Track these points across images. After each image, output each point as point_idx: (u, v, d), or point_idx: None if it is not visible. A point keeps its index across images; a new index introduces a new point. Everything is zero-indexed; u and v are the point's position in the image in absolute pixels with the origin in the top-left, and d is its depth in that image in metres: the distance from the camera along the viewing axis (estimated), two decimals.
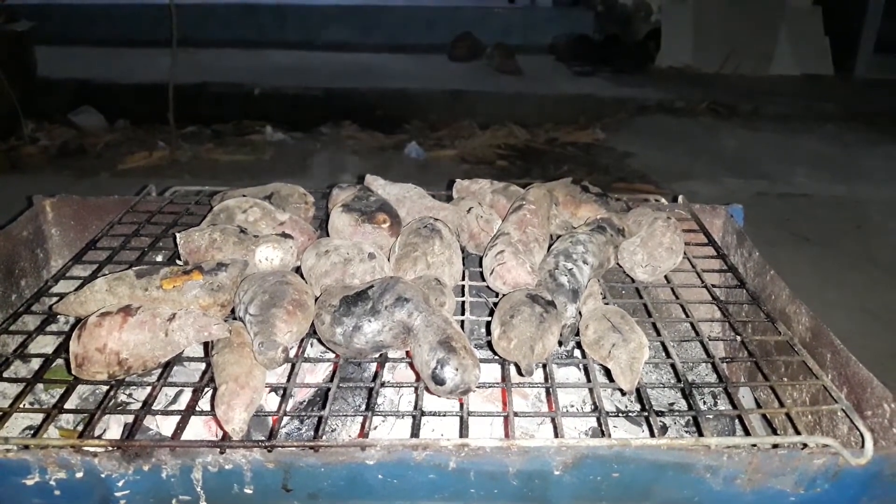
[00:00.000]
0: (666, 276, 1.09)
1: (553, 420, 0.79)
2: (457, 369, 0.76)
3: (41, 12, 5.73)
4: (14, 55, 3.97)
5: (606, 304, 0.97)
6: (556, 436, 0.75)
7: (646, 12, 6.61)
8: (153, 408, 0.81)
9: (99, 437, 0.90)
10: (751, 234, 1.26)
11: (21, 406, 0.80)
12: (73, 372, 0.81)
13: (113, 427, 0.98)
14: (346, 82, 5.28)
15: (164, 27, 3.54)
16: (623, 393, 0.82)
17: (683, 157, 3.91)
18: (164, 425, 0.97)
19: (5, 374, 0.87)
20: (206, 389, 0.82)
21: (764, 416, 1.04)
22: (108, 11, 7.02)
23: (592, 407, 1.02)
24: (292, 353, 0.88)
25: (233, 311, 0.92)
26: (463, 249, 1.12)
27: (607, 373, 0.85)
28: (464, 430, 0.75)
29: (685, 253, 1.12)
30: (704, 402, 1.17)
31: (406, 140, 4.00)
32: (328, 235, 1.09)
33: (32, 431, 1.02)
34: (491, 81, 5.61)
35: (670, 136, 4.31)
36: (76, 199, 1.33)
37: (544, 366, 0.89)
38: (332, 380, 0.83)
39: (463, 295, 1.04)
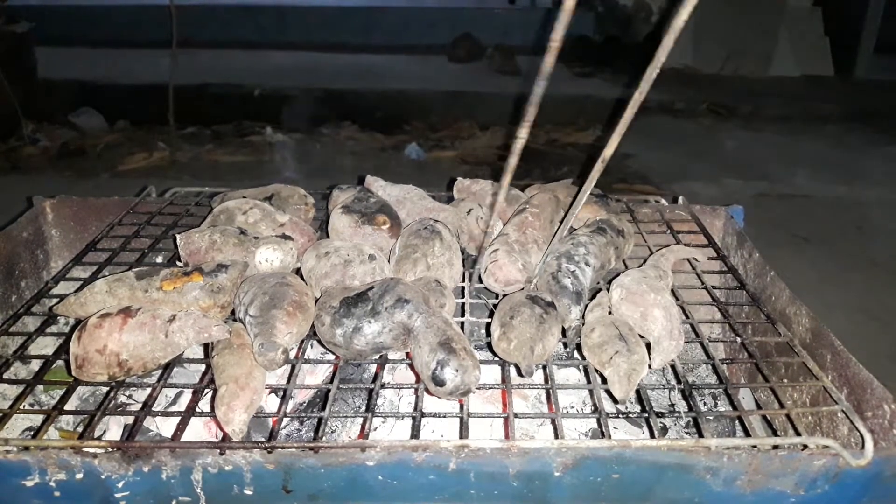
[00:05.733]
0: None
1: (553, 421, 0.79)
2: (457, 370, 0.76)
3: (41, 13, 5.73)
4: (14, 56, 3.97)
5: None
6: (557, 437, 0.75)
7: (646, 13, 6.60)
8: (153, 409, 0.81)
9: (99, 439, 0.90)
10: (751, 235, 1.26)
11: (21, 407, 0.80)
12: (73, 373, 0.81)
13: (113, 428, 0.98)
14: (346, 83, 5.28)
15: (164, 28, 3.54)
16: (615, 401, 0.82)
17: (683, 158, 3.91)
18: (164, 426, 0.98)
19: (5, 376, 0.87)
20: (206, 391, 0.82)
21: (764, 417, 1.04)
22: (108, 12, 7.02)
23: (592, 408, 1.02)
24: (292, 355, 0.88)
25: (233, 312, 0.92)
26: (463, 251, 1.12)
27: (605, 378, 0.85)
28: (464, 432, 0.75)
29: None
30: (705, 404, 1.17)
31: (406, 141, 4.00)
32: (328, 237, 1.09)
33: (32, 433, 1.02)
34: (491, 82, 5.60)
35: (670, 137, 4.31)
36: (76, 200, 1.33)
37: (544, 367, 0.89)
38: (332, 381, 0.83)
39: (463, 296, 1.04)
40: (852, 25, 5.89)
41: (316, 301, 0.91)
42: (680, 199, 1.36)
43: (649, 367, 0.84)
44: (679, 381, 0.85)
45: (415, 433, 0.74)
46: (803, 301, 1.02)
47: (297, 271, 1.01)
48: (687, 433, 1.08)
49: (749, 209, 1.39)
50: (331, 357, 0.93)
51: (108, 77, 5.14)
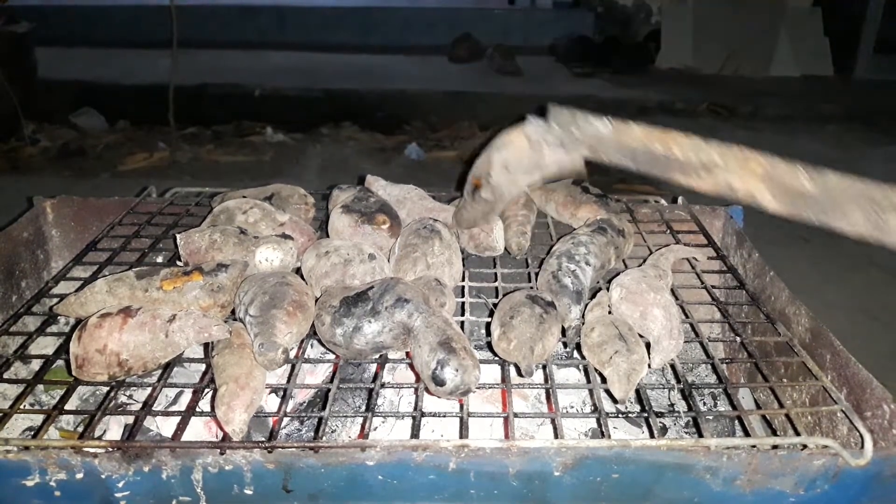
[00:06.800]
0: None
1: (553, 421, 0.79)
2: (457, 370, 0.76)
3: (41, 13, 5.73)
4: (14, 57, 3.97)
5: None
6: (556, 437, 0.75)
7: (646, 13, 6.60)
8: (153, 409, 0.81)
9: (99, 438, 0.90)
10: (750, 234, 1.26)
11: (21, 407, 0.80)
12: (74, 373, 0.81)
13: (113, 428, 0.98)
14: (347, 83, 5.28)
15: (164, 28, 3.54)
16: (615, 400, 0.82)
17: None
18: (165, 426, 0.98)
19: (6, 376, 0.87)
20: (206, 390, 0.82)
21: (764, 417, 1.04)
22: (108, 13, 7.02)
23: (592, 408, 1.02)
24: (292, 354, 0.88)
25: (233, 312, 0.92)
26: (463, 250, 1.12)
27: (604, 377, 0.85)
28: (464, 431, 0.75)
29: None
30: (704, 403, 1.17)
31: (406, 141, 4.00)
32: (328, 236, 1.09)
33: (33, 432, 1.02)
34: (491, 82, 5.60)
35: None
36: (76, 200, 1.33)
37: (544, 367, 0.89)
38: (332, 381, 0.83)
39: (463, 296, 1.04)
40: (852, 25, 5.89)
41: (316, 300, 0.91)
42: (679, 199, 1.37)
43: (649, 366, 0.84)
44: (679, 381, 0.85)
45: (415, 433, 0.74)
46: (803, 301, 1.02)
47: (297, 271, 1.01)
48: (686, 433, 1.08)
49: (749, 209, 1.39)
50: (331, 357, 0.93)
51: (108, 77, 5.14)
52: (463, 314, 1.00)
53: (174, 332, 0.81)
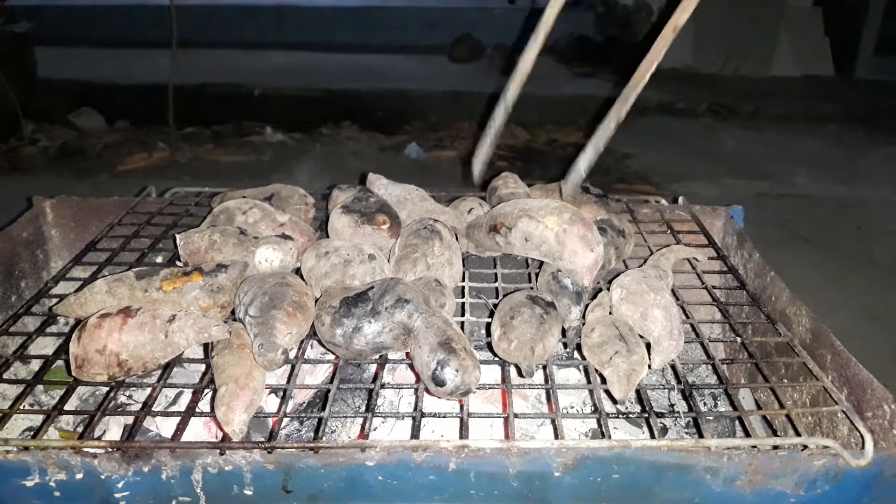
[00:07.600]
0: None
1: (553, 421, 0.79)
2: (457, 370, 0.76)
3: (41, 13, 5.73)
4: (14, 56, 3.97)
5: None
6: (557, 437, 0.75)
7: (646, 13, 6.60)
8: (153, 409, 0.81)
9: (99, 439, 0.90)
10: (751, 235, 1.26)
11: (21, 407, 0.80)
12: (73, 373, 0.81)
13: (113, 428, 0.98)
14: (346, 83, 5.28)
15: (164, 28, 3.54)
16: (615, 401, 0.82)
17: (684, 159, 3.91)
18: (164, 427, 0.97)
19: (5, 376, 0.87)
20: (205, 391, 0.82)
21: (764, 417, 1.04)
22: (108, 12, 7.02)
23: (592, 408, 1.02)
24: (292, 355, 0.88)
25: (233, 312, 0.92)
26: (464, 254, 1.12)
27: (605, 378, 0.85)
28: (464, 432, 0.75)
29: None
30: (705, 404, 1.17)
31: (406, 141, 4.00)
32: (328, 237, 1.09)
33: (32, 433, 1.02)
34: (491, 82, 5.60)
35: (671, 137, 4.31)
36: (76, 200, 1.33)
37: (544, 367, 0.89)
38: (331, 381, 0.83)
39: (463, 296, 1.04)
40: (852, 25, 5.88)
41: (316, 301, 0.91)
42: (680, 200, 1.36)
43: (649, 367, 0.84)
44: (679, 382, 0.85)
45: (415, 433, 0.74)
46: (803, 301, 1.02)
47: (297, 271, 1.01)
48: (687, 433, 1.08)
49: (749, 209, 1.39)
50: (331, 357, 0.93)
51: (108, 77, 5.14)
52: (463, 315, 1.00)
53: (174, 333, 0.81)
